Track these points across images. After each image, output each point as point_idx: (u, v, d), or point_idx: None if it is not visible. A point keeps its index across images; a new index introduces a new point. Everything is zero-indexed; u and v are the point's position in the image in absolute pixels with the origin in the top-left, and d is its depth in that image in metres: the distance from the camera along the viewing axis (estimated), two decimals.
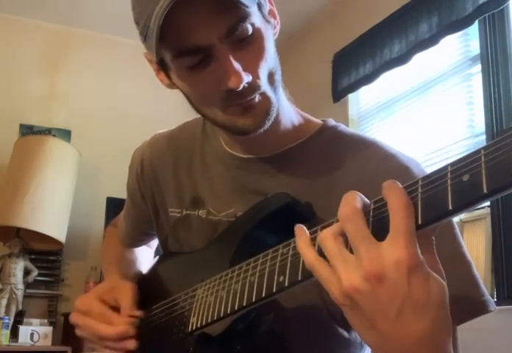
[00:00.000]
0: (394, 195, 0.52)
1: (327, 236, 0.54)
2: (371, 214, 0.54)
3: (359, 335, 0.56)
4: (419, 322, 0.51)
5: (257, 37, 0.77)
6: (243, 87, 0.75)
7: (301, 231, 0.59)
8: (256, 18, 0.77)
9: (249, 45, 0.77)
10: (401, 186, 0.52)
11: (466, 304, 0.76)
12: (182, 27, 0.73)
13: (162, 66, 0.82)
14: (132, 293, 0.93)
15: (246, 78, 0.75)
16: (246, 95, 0.77)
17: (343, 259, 0.53)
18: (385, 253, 0.50)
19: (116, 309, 0.92)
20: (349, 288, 0.52)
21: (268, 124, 0.80)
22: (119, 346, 0.88)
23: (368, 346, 0.60)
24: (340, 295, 0.53)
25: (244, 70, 0.75)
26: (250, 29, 0.75)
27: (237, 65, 0.74)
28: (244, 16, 0.74)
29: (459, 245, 0.78)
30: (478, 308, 0.76)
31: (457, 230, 0.79)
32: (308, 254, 0.57)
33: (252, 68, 0.77)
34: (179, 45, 0.75)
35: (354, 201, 0.54)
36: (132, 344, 0.87)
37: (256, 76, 0.77)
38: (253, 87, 0.77)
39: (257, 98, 0.78)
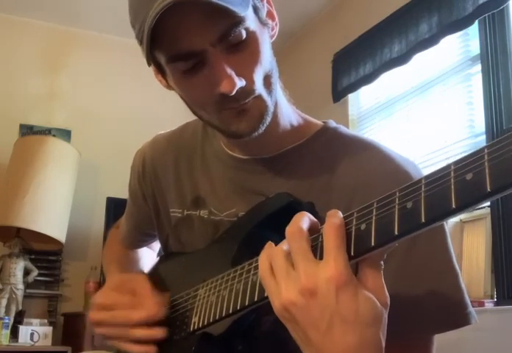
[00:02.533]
0: (329, 220, 0.57)
1: (278, 252, 0.59)
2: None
3: (299, 346, 0.61)
4: (347, 336, 0.55)
5: (251, 40, 0.77)
6: (237, 91, 0.75)
7: (269, 245, 0.63)
8: (251, 22, 0.76)
9: (243, 50, 0.76)
10: (340, 215, 0.58)
11: (449, 316, 0.77)
12: (175, 32, 0.73)
13: (158, 68, 0.83)
14: (147, 281, 0.91)
15: (239, 83, 0.75)
16: (240, 99, 0.77)
17: (286, 274, 0.57)
18: (319, 270, 0.55)
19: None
20: (287, 301, 0.56)
21: (262, 128, 0.80)
22: (148, 334, 0.84)
23: None
24: (280, 307, 0.57)
25: (238, 74, 0.75)
26: (244, 34, 0.75)
27: (229, 70, 0.74)
28: (238, 21, 0.74)
29: (449, 256, 0.79)
30: (460, 320, 0.77)
31: (449, 240, 0.80)
32: (262, 266, 0.61)
33: (246, 72, 0.77)
34: (173, 49, 0.75)
35: (301, 221, 0.59)
36: (161, 333, 0.84)
37: (250, 81, 0.77)
38: (247, 91, 0.77)
39: (252, 101, 0.78)
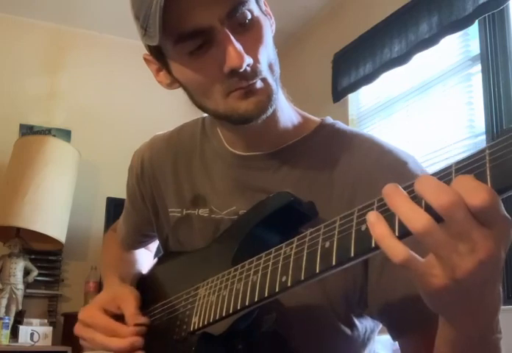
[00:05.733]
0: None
1: (427, 228, 0.50)
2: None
3: (448, 317, 0.58)
4: (497, 280, 0.54)
5: (255, 23, 0.79)
6: (245, 69, 0.76)
7: (380, 221, 0.53)
8: (254, 6, 0.79)
9: (249, 31, 0.78)
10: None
11: None
12: (182, 11, 0.74)
13: (161, 60, 0.83)
14: (135, 299, 0.92)
15: (248, 59, 0.76)
16: (248, 78, 0.77)
17: (455, 248, 0.50)
18: (495, 233, 0.49)
19: (120, 317, 0.91)
20: (465, 275, 0.50)
21: (270, 110, 0.80)
22: None
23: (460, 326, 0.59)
24: (449, 284, 0.51)
25: (245, 52, 0.76)
26: (249, 15, 0.77)
27: (238, 45, 0.75)
28: (243, 0, 0.76)
29: None
30: None
31: None
32: (400, 249, 0.51)
33: (252, 52, 0.78)
34: (180, 29, 0.75)
35: (448, 188, 0.49)
36: None
37: (256, 60, 0.78)
38: (254, 70, 0.78)
39: (259, 83, 0.79)
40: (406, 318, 0.78)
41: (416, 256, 0.52)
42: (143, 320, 0.89)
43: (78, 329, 0.94)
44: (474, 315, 0.56)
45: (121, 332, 0.88)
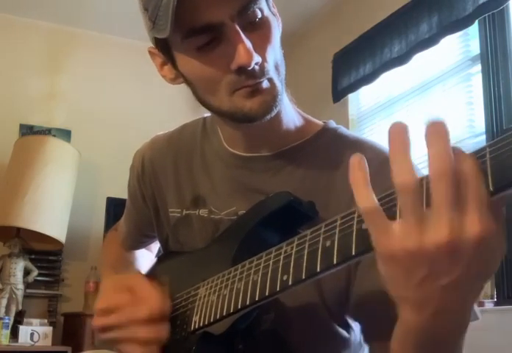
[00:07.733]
0: (466, 163, 0.49)
1: (407, 188, 0.48)
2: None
3: (391, 288, 0.53)
4: (470, 293, 0.51)
5: (265, 22, 0.79)
6: (253, 68, 0.76)
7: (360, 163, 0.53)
8: (264, 6, 0.79)
9: (258, 30, 0.78)
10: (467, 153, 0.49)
11: None
12: (194, 5, 0.74)
13: (167, 53, 0.83)
14: (144, 277, 0.88)
15: (256, 57, 0.76)
16: (256, 76, 0.77)
17: (419, 217, 0.48)
18: (467, 226, 0.46)
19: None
20: (415, 249, 0.47)
21: (274, 111, 0.80)
22: (153, 331, 0.79)
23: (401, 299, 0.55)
24: (394, 252, 0.49)
25: (254, 50, 0.76)
26: (259, 14, 0.78)
27: (248, 43, 0.75)
28: None
29: None
30: None
31: None
32: (366, 197, 0.52)
33: (261, 50, 0.78)
34: (192, 23, 0.75)
35: (448, 155, 0.49)
36: (165, 329, 0.80)
37: (264, 59, 0.78)
38: (262, 69, 0.78)
39: (265, 83, 0.78)
40: (374, 326, 0.78)
41: (383, 214, 0.50)
42: (165, 288, 0.84)
43: (97, 320, 0.86)
44: (450, 304, 0.51)
45: (146, 299, 0.82)
